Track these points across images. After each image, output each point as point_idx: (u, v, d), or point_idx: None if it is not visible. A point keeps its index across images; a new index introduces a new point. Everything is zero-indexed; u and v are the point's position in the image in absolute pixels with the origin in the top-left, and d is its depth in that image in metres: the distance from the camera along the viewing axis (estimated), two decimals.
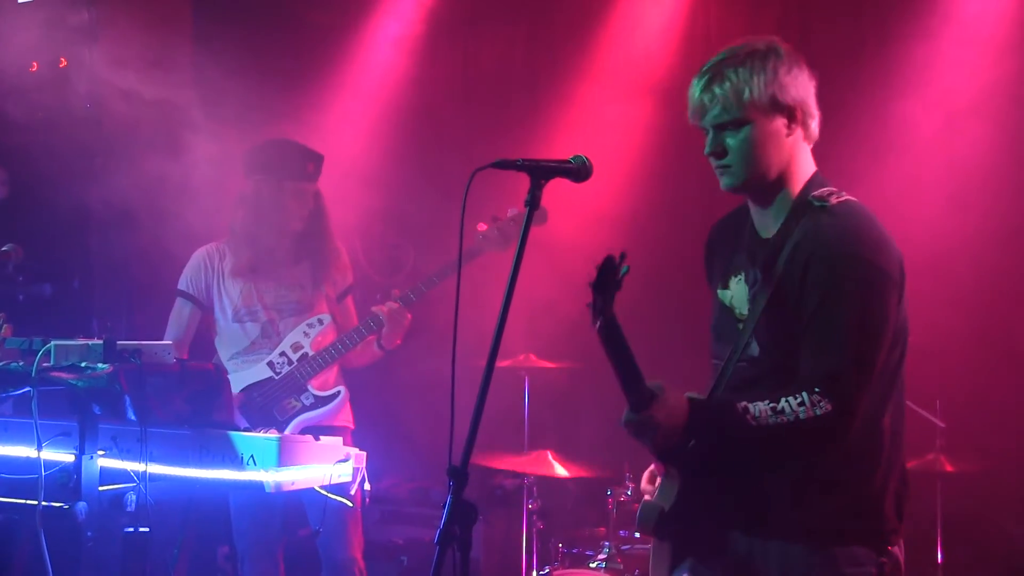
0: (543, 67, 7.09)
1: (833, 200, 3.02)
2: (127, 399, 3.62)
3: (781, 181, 3.05)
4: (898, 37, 6.15)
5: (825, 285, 2.89)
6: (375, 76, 7.24)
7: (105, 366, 3.61)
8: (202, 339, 5.21)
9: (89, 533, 3.64)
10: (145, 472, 3.68)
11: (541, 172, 2.83)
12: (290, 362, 5.03)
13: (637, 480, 5.52)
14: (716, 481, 2.97)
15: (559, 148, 6.11)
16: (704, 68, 3.05)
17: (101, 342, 3.68)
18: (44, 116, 6.10)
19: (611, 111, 6.65)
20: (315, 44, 7.26)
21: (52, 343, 3.69)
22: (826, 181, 3.10)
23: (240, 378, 5.03)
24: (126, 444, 3.79)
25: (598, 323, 2.71)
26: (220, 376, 4.01)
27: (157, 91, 6.01)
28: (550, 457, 5.66)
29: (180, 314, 5.15)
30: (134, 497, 3.69)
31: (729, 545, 3.03)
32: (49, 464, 3.66)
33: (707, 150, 3.05)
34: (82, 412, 3.67)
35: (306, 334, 5.05)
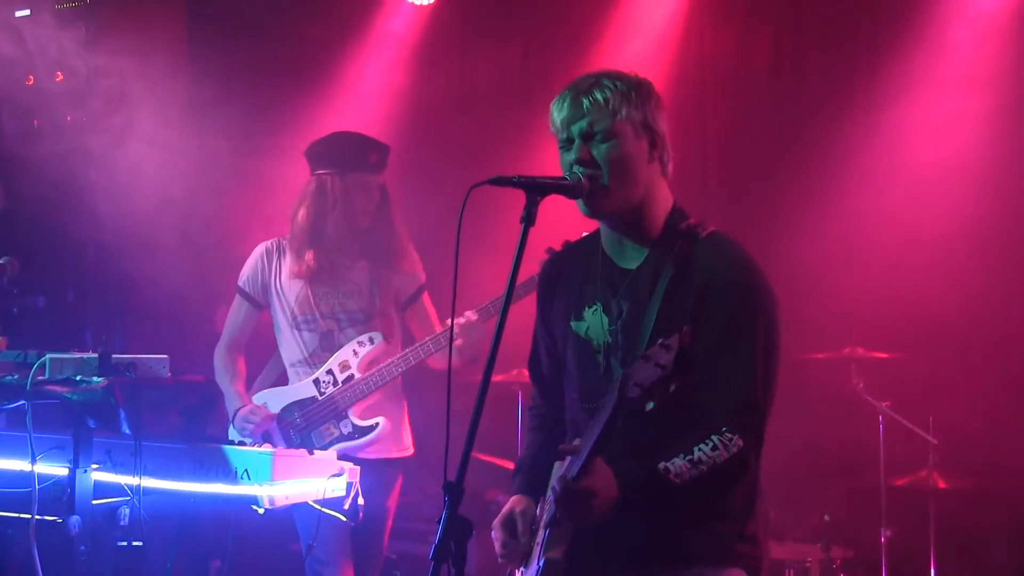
0: (539, 81, 7.10)
1: (703, 232, 2.97)
2: (122, 412, 3.63)
3: (643, 207, 2.98)
4: (890, 58, 6.18)
5: (722, 317, 2.86)
6: (371, 89, 7.25)
7: (100, 379, 3.62)
8: (260, 338, 5.03)
9: (82, 547, 3.64)
10: (139, 486, 3.69)
11: (537, 189, 2.82)
12: (335, 383, 4.76)
13: None
14: (603, 527, 2.85)
15: (555, 162, 6.12)
16: (578, 80, 2.99)
17: (96, 355, 3.68)
18: (40, 129, 6.11)
19: None
20: (311, 57, 7.27)
21: (47, 356, 3.70)
22: (687, 213, 3.05)
23: (289, 392, 4.84)
24: (120, 458, 3.79)
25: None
26: (214, 390, 4.01)
27: (153, 104, 6.02)
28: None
29: (237, 312, 4.95)
30: (128, 511, 3.69)
31: None
32: (43, 478, 3.67)
33: (572, 157, 2.94)
34: (76, 425, 3.68)
35: (355, 352, 4.76)
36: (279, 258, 4.90)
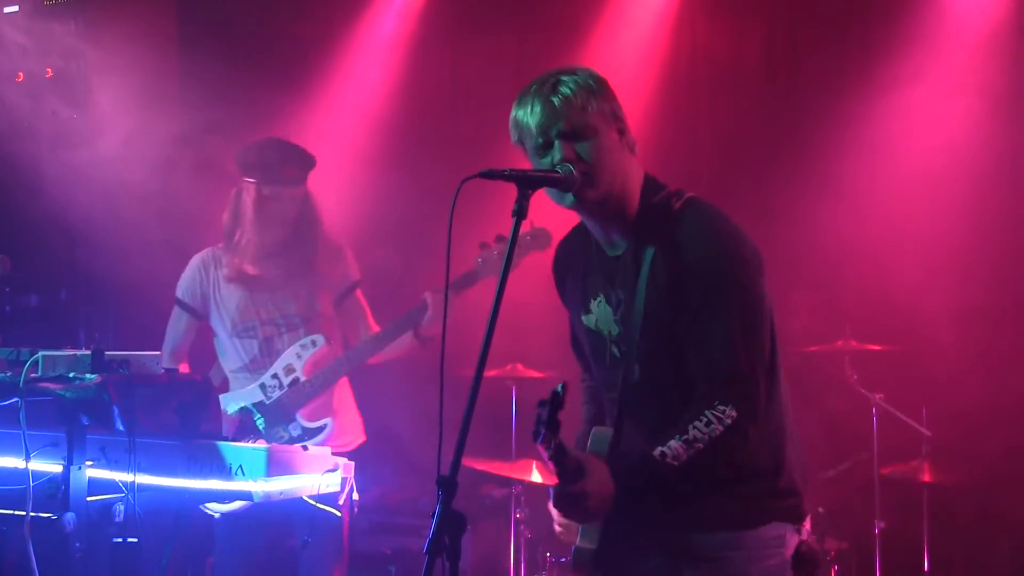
0: (531, 76, 7.09)
1: (676, 203, 2.99)
2: (115, 409, 3.62)
3: (624, 192, 3.01)
4: (881, 54, 6.20)
5: (697, 292, 2.89)
6: (362, 86, 7.25)
7: (93, 376, 3.61)
8: (201, 348, 5.10)
9: (77, 544, 3.63)
10: (133, 482, 3.68)
11: (528, 182, 2.82)
12: (281, 387, 4.81)
13: None
14: (635, 508, 2.94)
15: None
16: (536, 84, 3.01)
17: (89, 353, 3.68)
18: (31, 126, 6.10)
19: None
20: (302, 55, 7.27)
21: (40, 354, 3.69)
22: (660, 184, 3.06)
23: (237, 396, 4.87)
24: (114, 454, 3.79)
25: (548, 448, 2.70)
26: (208, 387, 4.01)
27: (144, 101, 6.01)
28: (537, 466, 5.67)
29: (177, 324, 5.00)
30: (122, 507, 3.69)
31: (657, 565, 3.04)
32: (37, 475, 3.66)
33: (558, 157, 2.93)
34: (70, 423, 3.67)
35: (299, 356, 4.82)
36: (216, 268, 4.95)
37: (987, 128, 5.98)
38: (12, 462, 3.78)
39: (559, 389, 2.63)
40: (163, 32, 6.98)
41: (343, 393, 4.99)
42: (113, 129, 5.96)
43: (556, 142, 2.95)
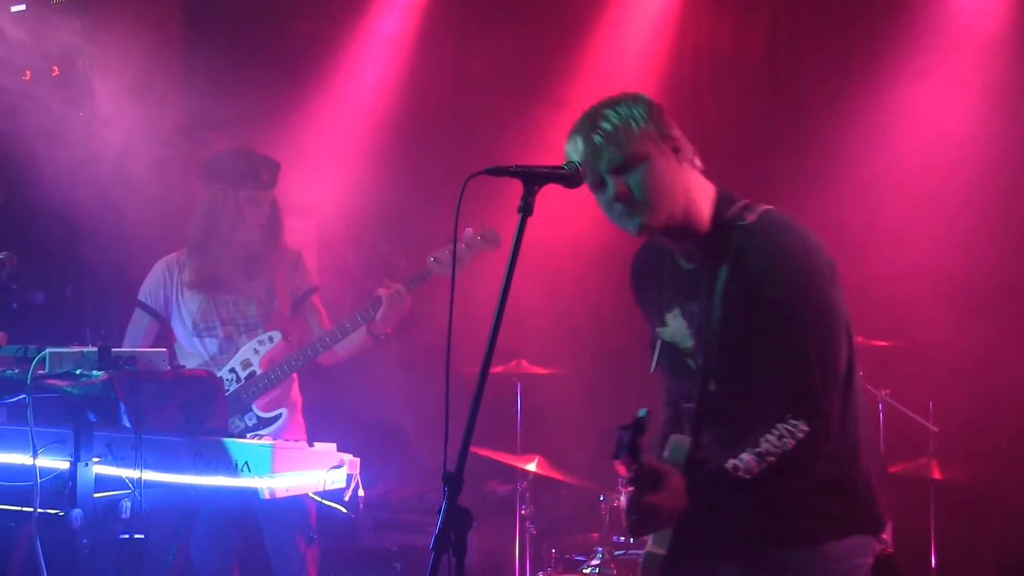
0: (533, 74, 7.11)
1: (749, 217, 3.01)
2: (122, 406, 3.62)
3: (689, 210, 3.02)
4: (885, 47, 6.19)
5: (771, 308, 2.91)
6: (364, 83, 7.25)
7: (100, 373, 3.62)
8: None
9: (84, 540, 3.64)
10: (140, 479, 3.69)
11: (535, 178, 2.82)
12: (238, 380, 5.00)
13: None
14: (709, 518, 2.98)
15: (550, 154, 6.12)
16: (580, 121, 3.01)
17: (96, 349, 3.68)
18: (37, 124, 6.10)
19: None
20: (305, 52, 7.27)
21: (47, 350, 3.70)
22: (734, 197, 3.08)
23: None
24: (121, 451, 3.80)
25: (629, 470, 2.82)
26: (214, 383, 4.01)
27: (149, 99, 6.02)
28: (543, 462, 5.68)
29: (138, 325, 5.17)
30: (129, 504, 3.70)
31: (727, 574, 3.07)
32: (44, 471, 3.67)
33: (611, 195, 2.97)
34: (77, 419, 3.68)
35: (256, 351, 5.02)
36: (179, 272, 5.14)
37: (991, 124, 5.98)
38: (19, 458, 3.79)
39: (642, 414, 2.69)
40: (168, 29, 6.99)
41: (295, 394, 5.19)
42: (118, 126, 5.97)
43: (607, 178, 2.98)
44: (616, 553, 5.57)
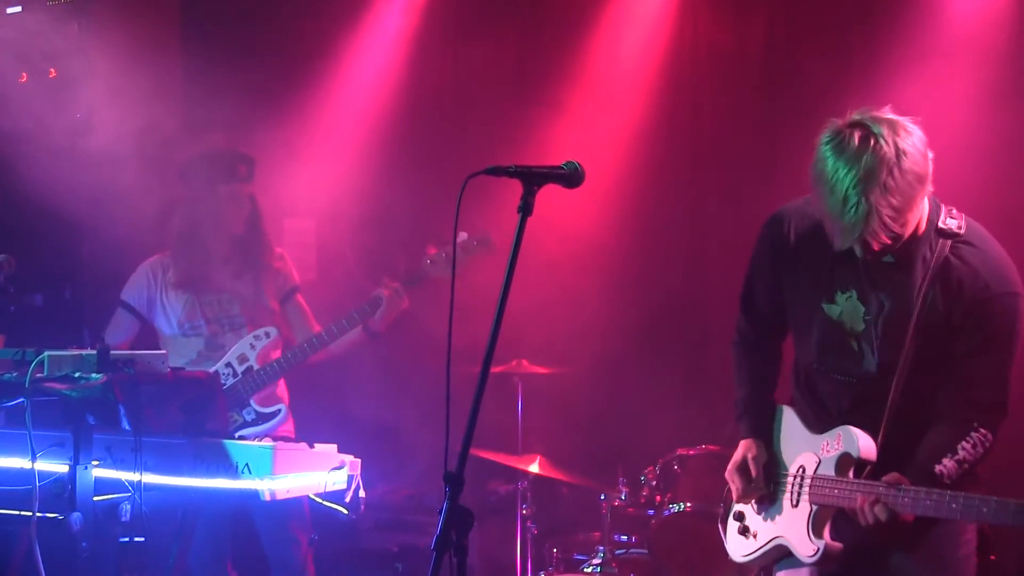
0: (533, 75, 7.09)
1: (959, 229, 3.25)
2: (121, 409, 3.62)
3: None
4: (883, 45, 6.18)
5: (987, 328, 3.18)
6: (365, 84, 7.24)
7: (99, 376, 3.61)
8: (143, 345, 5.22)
9: (84, 543, 3.63)
10: (140, 482, 3.68)
11: (534, 178, 2.84)
12: (235, 374, 5.05)
13: (630, 485, 5.55)
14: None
15: (550, 154, 6.12)
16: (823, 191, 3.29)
17: (95, 352, 3.67)
18: (34, 126, 6.09)
19: (601, 117, 6.66)
20: (304, 52, 7.26)
21: (46, 353, 3.69)
22: (938, 202, 3.32)
23: None
24: (120, 454, 3.79)
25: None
26: (214, 384, 4.01)
27: (147, 99, 6.01)
28: (544, 462, 5.67)
29: (119, 324, 5.22)
30: (129, 507, 3.69)
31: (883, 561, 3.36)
32: (43, 475, 3.66)
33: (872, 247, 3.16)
34: (76, 422, 3.67)
35: (252, 346, 5.07)
36: (163, 273, 5.20)
37: (991, 125, 5.97)
38: (18, 462, 3.77)
39: None
40: (165, 31, 6.97)
41: (281, 390, 5.24)
42: (116, 128, 5.96)
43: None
44: (617, 552, 5.57)
